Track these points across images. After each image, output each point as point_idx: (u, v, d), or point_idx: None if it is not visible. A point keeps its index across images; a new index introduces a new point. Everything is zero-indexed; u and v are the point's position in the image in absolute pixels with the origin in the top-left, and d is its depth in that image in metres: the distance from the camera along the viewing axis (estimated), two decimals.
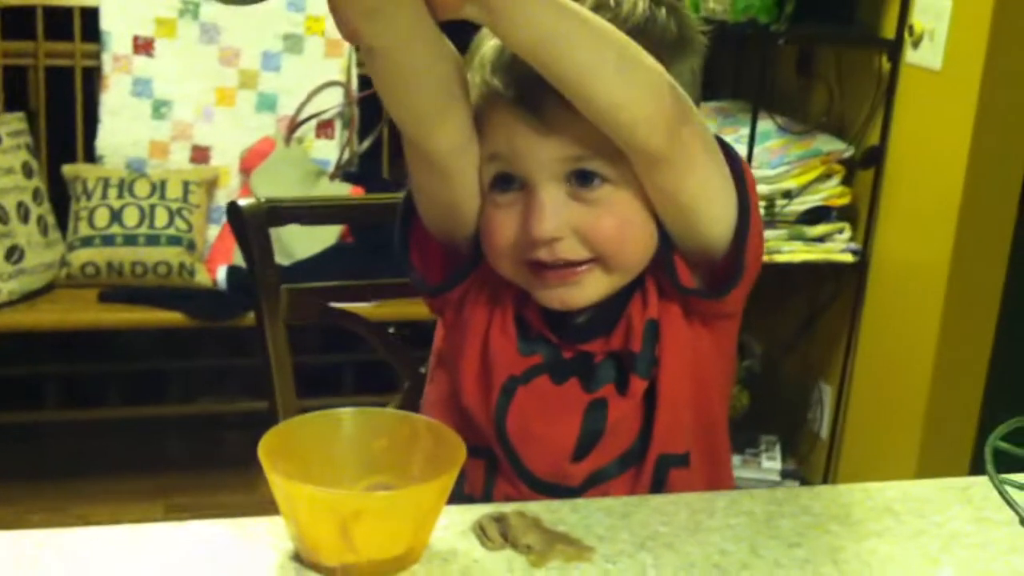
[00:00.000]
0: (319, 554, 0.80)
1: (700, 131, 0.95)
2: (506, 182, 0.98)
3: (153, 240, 2.66)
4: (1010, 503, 0.72)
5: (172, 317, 2.58)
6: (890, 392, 2.43)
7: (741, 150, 2.41)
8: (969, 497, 0.96)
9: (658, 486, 1.04)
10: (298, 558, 0.82)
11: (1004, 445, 0.77)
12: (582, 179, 0.96)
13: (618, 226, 0.97)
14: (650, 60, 0.90)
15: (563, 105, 0.90)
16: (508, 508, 0.89)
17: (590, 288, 0.99)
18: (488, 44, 0.98)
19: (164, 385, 3.12)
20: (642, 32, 0.94)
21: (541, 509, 0.90)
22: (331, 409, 0.88)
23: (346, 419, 0.88)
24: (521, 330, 1.05)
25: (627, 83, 0.88)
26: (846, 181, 2.49)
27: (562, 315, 1.03)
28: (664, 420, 1.03)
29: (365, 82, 2.97)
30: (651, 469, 1.04)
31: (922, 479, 0.99)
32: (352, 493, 0.81)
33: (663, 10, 0.99)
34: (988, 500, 0.94)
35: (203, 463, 2.84)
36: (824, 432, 2.62)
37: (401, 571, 0.80)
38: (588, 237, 0.97)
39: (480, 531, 0.86)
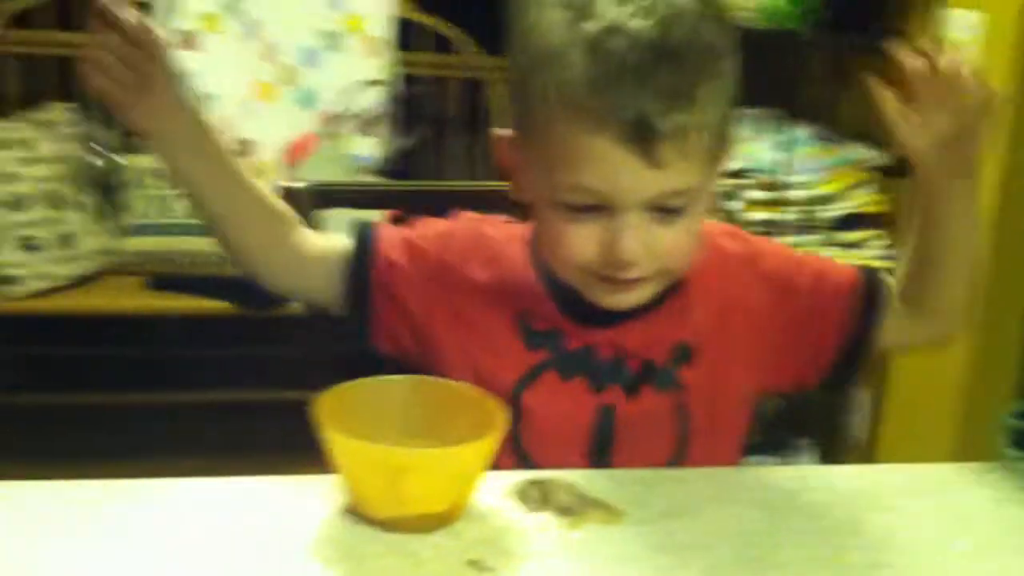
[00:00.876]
0: (369, 507, 0.85)
1: None
2: (584, 207, 0.98)
3: (202, 230, 2.72)
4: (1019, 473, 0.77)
5: (219, 305, 2.64)
6: (925, 396, 2.45)
7: (777, 157, 2.45)
8: (989, 480, 1.00)
9: None
10: (349, 511, 0.87)
11: (1016, 423, 0.82)
12: (668, 208, 0.97)
13: (691, 243, 1.01)
14: None
15: (675, 142, 0.93)
16: (547, 475, 0.94)
17: (647, 291, 1.03)
18: (578, 58, 0.92)
19: (205, 372, 3.17)
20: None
21: (578, 477, 0.95)
22: (383, 376, 0.94)
23: (396, 385, 0.93)
24: (524, 327, 1.07)
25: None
26: (880, 188, 2.52)
27: (576, 305, 1.05)
28: (700, 445, 1.08)
29: (405, 81, 3.03)
30: None
31: (944, 463, 1.03)
32: (401, 449, 0.86)
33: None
34: (1007, 482, 0.98)
35: (242, 449, 2.90)
36: (860, 435, 2.65)
37: (445, 526, 0.86)
38: (663, 255, 0.99)
39: (520, 494, 0.91)
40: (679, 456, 1.08)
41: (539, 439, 1.06)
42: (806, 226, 2.41)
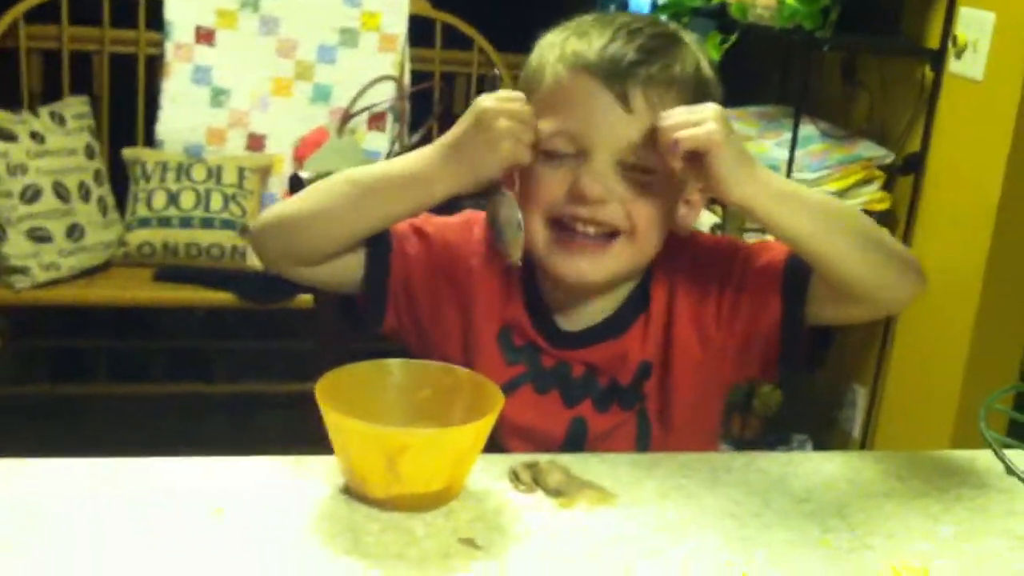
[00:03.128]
0: (367, 487, 0.87)
1: None
2: (563, 156, 1.05)
3: (208, 223, 2.75)
4: (996, 453, 0.78)
5: (223, 297, 2.66)
6: (923, 395, 2.46)
7: (783, 154, 2.47)
8: (974, 467, 1.02)
9: None
10: (348, 491, 0.89)
11: (1000, 407, 0.83)
12: (634, 168, 1.04)
13: (655, 210, 1.06)
14: (900, 247, 1.09)
15: (647, 90, 1.02)
16: (540, 457, 0.96)
17: (610, 263, 1.06)
18: (573, 35, 1.06)
19: (209, 365, 3.21)
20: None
21: (571, 459, 0.97)
22: (382, 359, 0.96)
23: (395, 369, 0.95)
24: (505, 341, 1.12)
25: (875, 265, 1.03)
26: (886, 186, 2.53)
27: (551, 324, 1.11)
28: (660, 441, 1.12)
29: (417, 77, 3.05)
30: None
31: (930, 451, 1.05)
32: (399, 429, 0.89)
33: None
34: (992, 470, 1.00)
35: (245, 443, 2.92)
36: (856, 432, 2.66)
37: (441, 505, 0.88)
38: (629, 209, 1.04)
39: (513, 475, 0.93)
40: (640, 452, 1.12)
41: (515, 444, 1.10)
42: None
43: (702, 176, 0.99)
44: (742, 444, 2.61)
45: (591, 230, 1.05)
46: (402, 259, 1.12)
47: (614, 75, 1.02)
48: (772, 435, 2.71)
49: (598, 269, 1.06)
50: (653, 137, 1.01)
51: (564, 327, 1.12)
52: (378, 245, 1.11)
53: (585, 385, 1.12)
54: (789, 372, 1.12)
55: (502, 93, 1.04)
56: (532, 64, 1.09)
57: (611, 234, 1.05)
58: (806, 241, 1.01)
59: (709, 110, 0.99)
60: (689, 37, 1.10)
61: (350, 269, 1.11)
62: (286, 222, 1.09)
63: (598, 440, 1.11)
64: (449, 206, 1.14)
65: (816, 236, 1.00)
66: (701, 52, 1.09)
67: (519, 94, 1.04)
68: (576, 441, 1.11)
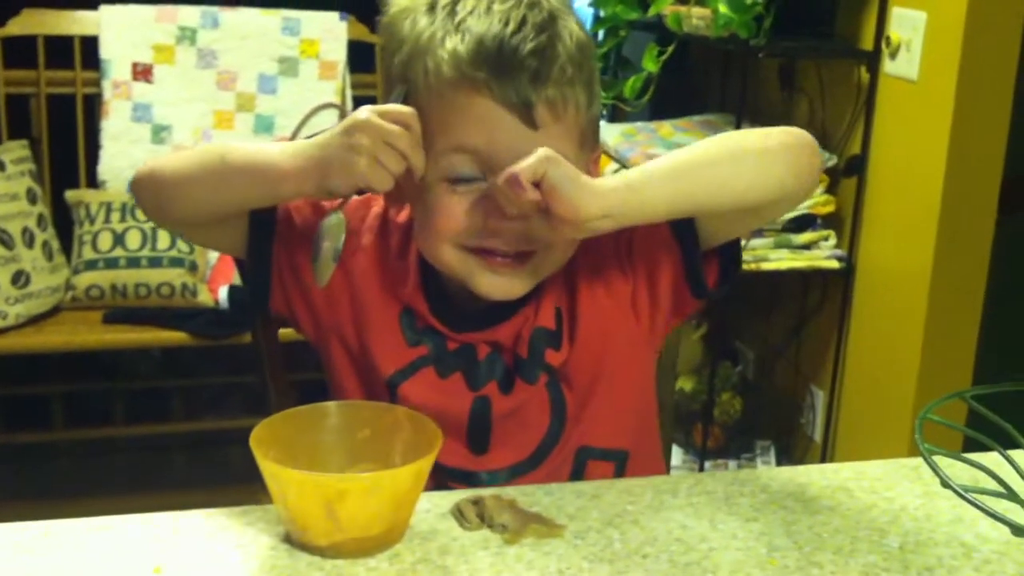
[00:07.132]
0: (308, 535, 0.86)
1: None
2: (466, 180, 1.00)
3: (156, 262, 2.72)
4: (933, 468, 0.79)
5: (176, 336, 2.63)
6: (880, 394, 2.48)
7: None
8: (919, 475, 1.02)
9: (577, 476, 1.10)
10: (289, 540, 0.88)
11: (936, 418, 0.84)
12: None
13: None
14: (772, 141, 1.01)
15: (548, 106, 0.98)
16: (485, 492, 0.95)
17: (534, 275, 1.04)
18: (453, 37, 0.98)
19: (168, 404, 3.17)
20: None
21: (516, 492, 0.96)
22: (318, 403, 0.95)
23: (332, 411, 0.94)
24: (407, 322, 1.09)
25: (768, 177, 1.00)
26: (830, 190, 2.54)
27: (450, 307, 1.08)
28: (576, 417, 1.09)
29: (359, 103, 3.04)
30: (570, 461, 1.10)
31: (875, 460, 1.05)
32: (335, 475, 0.88)
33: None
34: (936, 478, 1.00)
35: (208, 480, 2.90)
36: (817, 435, 2.67)
37: (385, 549, 0.87)
38: (543, 223, 0.97)
39: (458, 513, 0.92)
40: (557, 431, 1.09)
41: None
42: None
43: (553, 210, 0.94)
44: (705, 454, 2.61)
45: (509, 250, 1.01)
46: (287, 236, 1.07)
47: (517, 100, 0.96)
48: (735, 443, 2.71)
49: (524, 284, 1.04)
50: (569, 142, 1.00)
51: (464, 309, 1.08)
52: (261, 220, 1.06)
53: (490, 367, 1.08)
54: (707, 301, 1.09)
55: (390, 107, 0.96)
56: (405, 53, 1.01)
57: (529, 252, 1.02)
58: (686, 208, 0.99)
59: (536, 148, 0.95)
60: None
61: (233, 240, 1.07)
62: (157, 180, 1.05)
63: (506, 417, 1.08)
64: None
65: (690, 196, 0.98)
66: (566, 9, 1.02)
67: (408, 113, 0.96)
68: (481, 421, 1.08)
